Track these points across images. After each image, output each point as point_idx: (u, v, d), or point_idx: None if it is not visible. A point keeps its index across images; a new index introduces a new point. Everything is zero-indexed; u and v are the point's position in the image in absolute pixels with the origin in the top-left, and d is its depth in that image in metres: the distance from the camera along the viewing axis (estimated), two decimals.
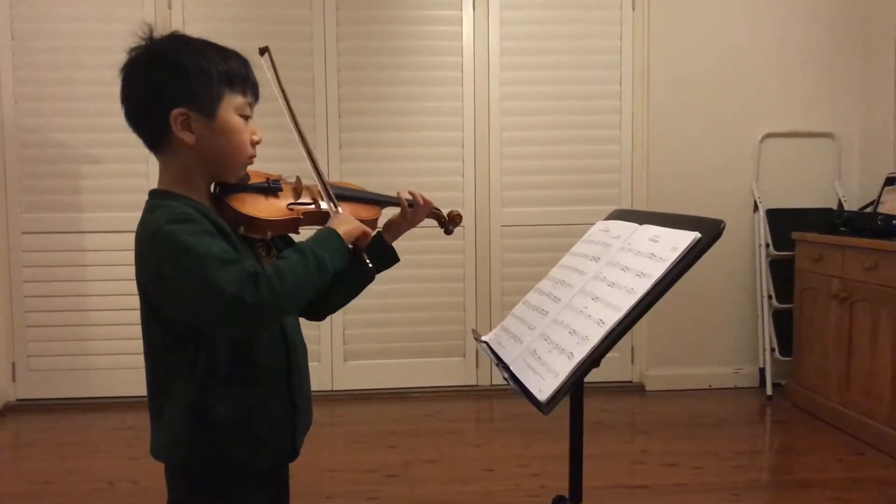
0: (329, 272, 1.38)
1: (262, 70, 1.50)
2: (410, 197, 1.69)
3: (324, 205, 1.54)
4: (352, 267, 1.49)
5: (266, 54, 1.52)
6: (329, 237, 1.41)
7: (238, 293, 1.24)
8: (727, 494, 3.09)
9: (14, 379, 4.28)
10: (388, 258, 1.68)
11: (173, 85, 1.37)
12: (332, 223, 1.46)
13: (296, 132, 1.54)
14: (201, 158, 1.41)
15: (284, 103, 1.52)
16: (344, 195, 1.62)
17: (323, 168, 1.67)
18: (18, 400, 4.27)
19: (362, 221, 1.61)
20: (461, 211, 1.85)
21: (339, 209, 1.53)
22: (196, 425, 1.39)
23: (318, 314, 1.69)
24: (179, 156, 1.41)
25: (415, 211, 1.69)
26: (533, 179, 4.43)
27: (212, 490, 1.44)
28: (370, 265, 1.48)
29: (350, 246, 1.45)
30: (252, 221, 1.46)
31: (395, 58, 4.34)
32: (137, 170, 4.07)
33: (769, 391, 4.34)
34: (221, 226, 1.41)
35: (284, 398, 1.48)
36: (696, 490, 3.14)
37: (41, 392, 4.27)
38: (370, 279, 1.60)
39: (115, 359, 4.21)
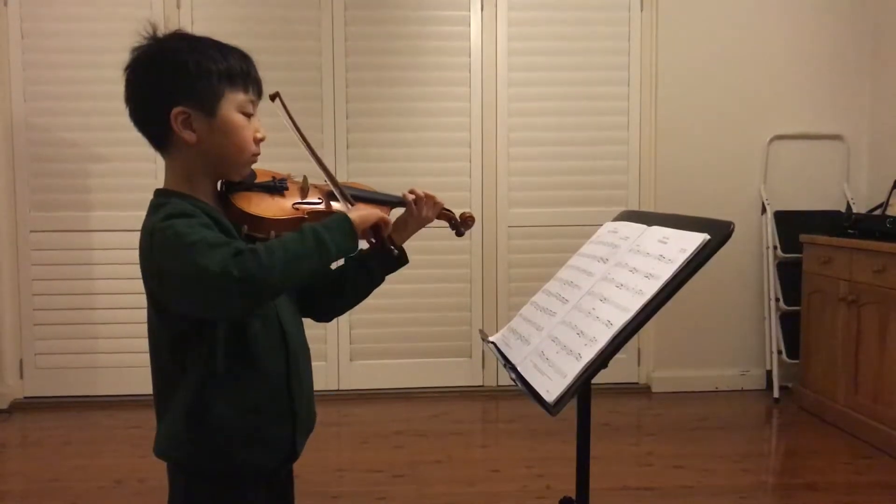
0: (331, 252, 1.31)
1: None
2: (421, 192, 1.67)
3: (336, 205, 1.54)
4: (377, 256, 1.51)
5: (277, 99, 1.52)
6: (336, 219, 1.36)
7: (224, 271, 1.20)
8: (734, 497, 3.09)
9: (21, 376, 4.29)
10: (397, 259, 1.69)
11: (173, 83, 1.37)
12: (347, 212, 1.41)
13: (315, 161, 1.54)
14: (204, 157, 1.41)
15: (302, 141, 1.53)
16: (349, 195, 1.62)
17: (335, 172, 1.67)
18: (26, 397, 4.29)
19: None
20: (472, 212, 1.84)
21: (354, 205, 1.51)
22: (194, 425, 1.39)
23: (325, 315, 1.69)
24: (182, 155, 1.41)
25: (420, 208, 1.67)
26: (540, 180, 4.42)
27: (211, 489, 1.43)
28: (395, 250, 1.44)
29: (362, 231, 1.40)
30: (255, 220, 1.45)
31: (402, 58, 4.34)
32: (146, 168, 4.08)
33: (776, 394, 4.32)
34: (224, 224, 1.41)
35: (283, 399, 1.47)
36: (703, 492, 3.14)
37: (48, 390, 4.29)
38: (391, 267, 1.62)
39: (122, 357, 4.22)
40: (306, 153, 1.55)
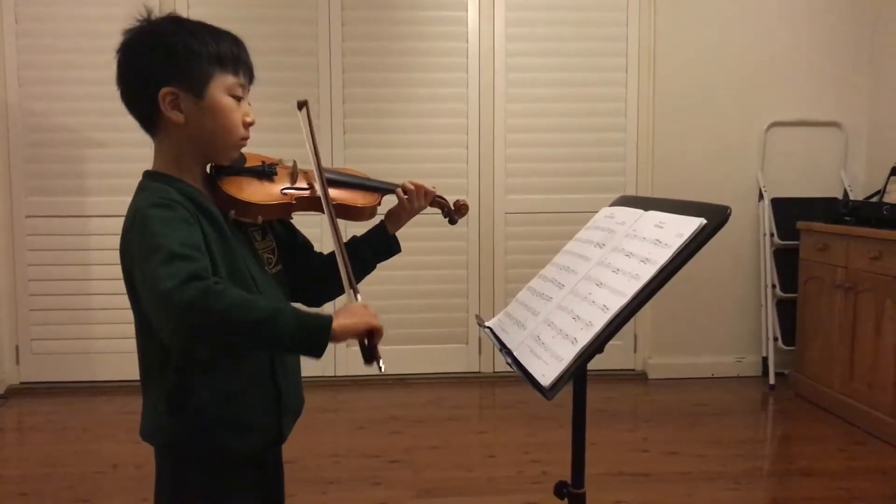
0: (282, 344, 1.28)
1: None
2: (411, 187, 1.68)
3: (318, 187, 1.54)
4: (369, 244, 1.63)
5: (305, 109, 1.53)
6: (318, 321, 1.27)
7: (170, 289, 1.17)
8: (729, 483, 3.10)
9: (18, 362, 4.29)
10: (389, 247, 1.69)
11: (162, 65, 1.37)
12: (339, 311, 1.33)
13: (318, 179, 1.53)
14: (192, 139, 1.41)
15: (315, 159, 1.53)
16: (340, 181, 1.62)
17: (331, 160, 1.65)
18: (22, 383, 4.29)
19: (359, 207, 1.61)
20: (467, 200, 1.84)
21: (359, 298, 1.41)
22: (175, 410, 1.39)
23: (317, 300, 1.68)
24: (171, 137, 1.41)
25: (410, 199, 1.68)
26: (537, 167, 4.42)
27: (197, 473, 1.43)
28: (381, 368, 1.36)
29: (349, 336, 1.33)
30: (242, 205, 1.45)
31: (400, 44, 4.32)
32: (142, 154, 4.00)
33: (772, 380, 4.34)
34: (210, 210, 1.40)
35: (268, 383, 1.46)
36: (698, 478, 3.15)
37: (45, 375, 4.29)
38: (383, 256, 1.69)
39: (118, 342, 4.20)
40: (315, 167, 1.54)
